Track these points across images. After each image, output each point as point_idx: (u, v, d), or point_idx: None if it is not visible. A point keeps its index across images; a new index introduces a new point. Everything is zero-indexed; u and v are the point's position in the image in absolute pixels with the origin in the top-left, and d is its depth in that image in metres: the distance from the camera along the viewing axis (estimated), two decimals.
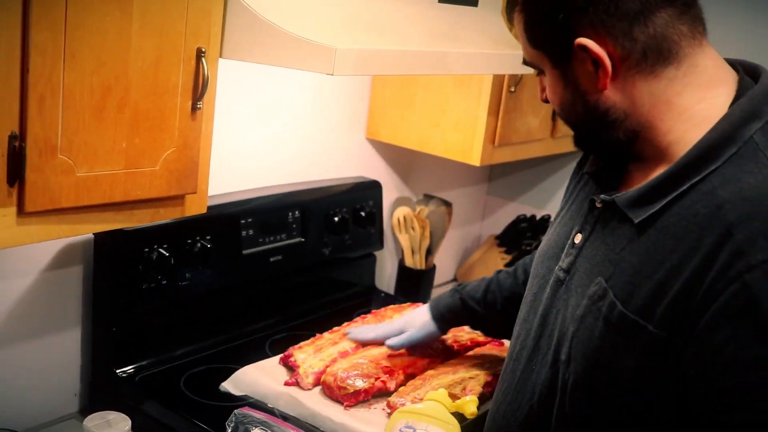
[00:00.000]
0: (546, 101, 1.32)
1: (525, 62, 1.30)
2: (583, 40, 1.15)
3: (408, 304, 2.24)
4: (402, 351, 1.91)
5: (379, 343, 1.94)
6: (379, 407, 1.77)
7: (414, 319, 1.92)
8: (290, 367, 1.88)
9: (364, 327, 2.02)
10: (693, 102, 1.17)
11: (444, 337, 2.04)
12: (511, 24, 1.31)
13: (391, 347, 1.88)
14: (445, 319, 1.89)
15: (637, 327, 1.14)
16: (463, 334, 2.09)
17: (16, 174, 1.24)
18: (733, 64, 1.23)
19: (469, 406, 1.59)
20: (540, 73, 1.28)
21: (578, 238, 1.29)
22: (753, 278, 1.05)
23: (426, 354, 1.94)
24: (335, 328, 2.05)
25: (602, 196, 1.25)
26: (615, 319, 1.16)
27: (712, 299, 1.07)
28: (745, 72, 1.21)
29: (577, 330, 1.23)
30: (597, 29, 1.14)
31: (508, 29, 1.36)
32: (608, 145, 1.24)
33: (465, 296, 1.86)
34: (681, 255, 1.11)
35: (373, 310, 2.17)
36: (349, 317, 2.13)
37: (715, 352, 1.08)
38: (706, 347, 1.09)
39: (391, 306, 2.20)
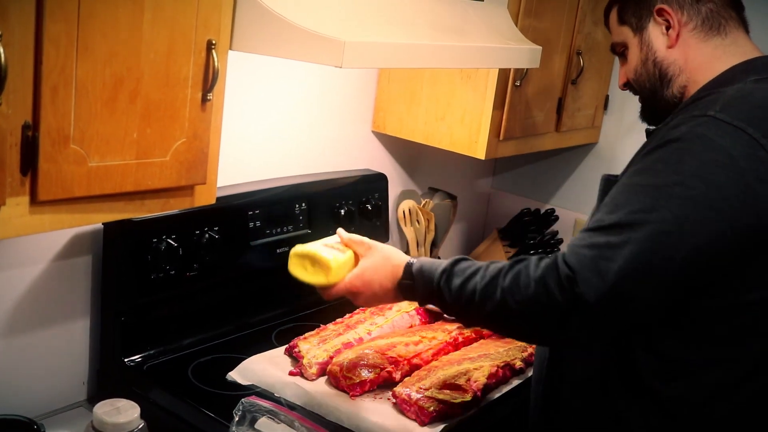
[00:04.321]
0: (623, 87, 1.69)
1: (612, 46, 1.69)
2: (662, 5, 1.57)
3: None
4: (410, 341, 1.93)
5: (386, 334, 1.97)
6: (384, 397, 1.79)
7: None
8: (295, 358, 1.89)
9: None
10: (725, 66, 1.52)
11: (449, 329, 2.05)
12: (607, 23, 1.70)
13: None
14: None
15: (610, 182, 1.48)
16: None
17: (29, 163, 1.25)
18: None
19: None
20: (622, 56, 1.66)
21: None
22: (666, 129, 1.42)
23: (431, 345, 1.95)
24: (339, 320, 2.07)
25: (647, 127, 1.63)
26: (602, 183, 1.56)
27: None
28: None
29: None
30: (671, 2, 1.57)
31: (606, 28, 1.74)
32: (666, 103, 1.59)
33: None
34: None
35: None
36: (354, 309, 2.15)
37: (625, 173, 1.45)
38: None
39: None
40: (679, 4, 1.56)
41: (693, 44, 1.56)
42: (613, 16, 1.67)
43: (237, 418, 1.62)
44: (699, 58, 1.55)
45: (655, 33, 1.59)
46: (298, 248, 1.65)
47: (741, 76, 1.48)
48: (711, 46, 1.55)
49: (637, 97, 1.69)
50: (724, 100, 1.40)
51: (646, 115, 1.68)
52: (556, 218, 2.94)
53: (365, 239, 1.66)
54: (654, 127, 1.59)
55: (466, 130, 2.33)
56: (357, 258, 1.64)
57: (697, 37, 1.56)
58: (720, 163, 1.32)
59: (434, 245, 2.65)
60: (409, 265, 1.55)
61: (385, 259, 1.59)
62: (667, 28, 1.57)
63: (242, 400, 1.65)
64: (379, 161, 2.59)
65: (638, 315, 1.35)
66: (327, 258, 1.60)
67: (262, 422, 1.61)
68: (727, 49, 1.54)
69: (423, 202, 2.65)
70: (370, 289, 1.59)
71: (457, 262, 1.49)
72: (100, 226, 1.84)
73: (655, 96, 1.61)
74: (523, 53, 2.03)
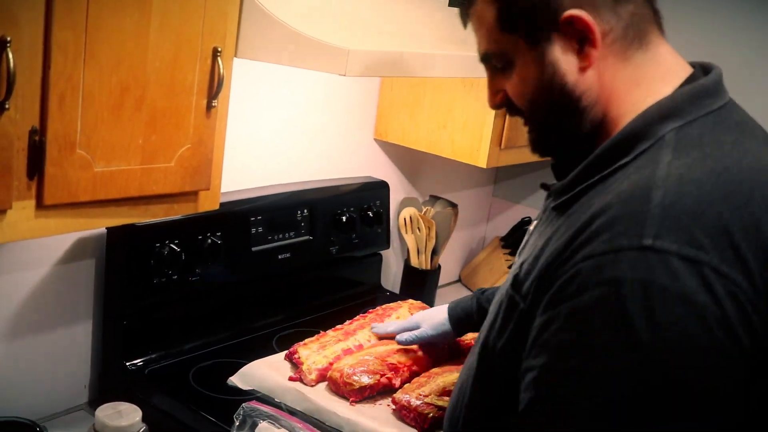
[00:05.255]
0: (498, 106, 1.27)
1: (486, 56, 1.21)
2: (574, 12, 1.10)
3: (408, 301, 2.26)
4: (409, 348, 1.93)
5: (390, 337, 1.97)
6: (384, 403, 1.80)
7: (431, 317, 1.93)
8: (295, 363, 1.90)
9: (386, 322, 2.06)
10: (644, 95, 1.14)
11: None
12: (467, 17, 1.24)
13: (399, 342, 1.91)
14: (461, 321, 1.89)
15: (515, 303, 1.17)
16: (467, 334, 2.11)
17: (36, 168, 1.27)
18: (693, 64, 1.20)
19: None
20: (500, 69, 1.21)
21: (532, 226, 1.32)
22: (585, 267, 1.02)
23: (432, 352, 1.96)
24: (339, 326, 2.08)
25: (542, 182, 1.29)
26: (507, 295, 1.20)
27: (554, 281, 1.07)
28: (702, 71, 1.19)
29: (495, 303, 1.28)
30: (583, 4, 1.10)
31: (463, 25, 1.27)
32: (572, 139, 1.20)
33: (483, 300, 1.87)
34: (563, 240, 1.10)
35: (369, 309, 2.20)
36: (354, 315, 2.16)
37: (537, 332, 1.08)
38: (534, 326, 1.09)
39: (390, 304, 2.22)
40: (596, 10, 1.11)
41: (611, 64, 1.13)
42: (488, 16, 1.17)
43: (237, 423, 1.63)
44: (616, 83, 1.14)
45: (563, 49, 1.13)
46: None
47: (657, 126, 1.10)
48: (632, 66, 1.14)
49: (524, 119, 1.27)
50: (653, 215, 1.01)
51: (540, 147, 1.28)
52: None
53: None
54: (554, 186, 1.23)
55: (468, 138, 2.35)
56: None
57: (616, 53, 1.13)
58: (692, 321, 0.97)
59: (435, 253, 2.66)
60: None
61: None
62: (581, 41, 1.12)
63: (243, 404, 1.66)
64: (381, 169, 2.61)
65: None
66: None
67: (263, 427, 1.62)
68: (647, 69, 1.14)
69: (424, 210, 2.66)
70: None
71: None
72: (103, 230, 1.86)
73: (558, 129, 1.21)
74: None
